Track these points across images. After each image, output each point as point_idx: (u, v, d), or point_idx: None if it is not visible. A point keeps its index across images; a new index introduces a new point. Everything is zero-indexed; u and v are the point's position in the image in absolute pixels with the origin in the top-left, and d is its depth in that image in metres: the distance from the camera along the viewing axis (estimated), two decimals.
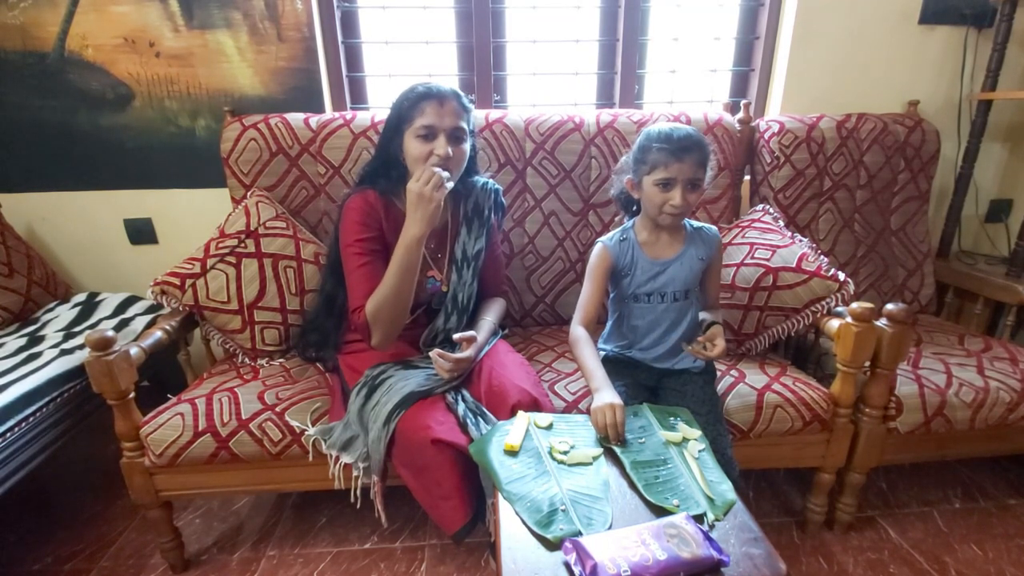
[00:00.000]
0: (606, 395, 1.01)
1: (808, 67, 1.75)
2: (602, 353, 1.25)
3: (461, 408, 1.09)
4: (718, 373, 1.27)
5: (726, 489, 0.86)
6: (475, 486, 1.04)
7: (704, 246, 1.17)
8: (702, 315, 1.21)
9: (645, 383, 1.19)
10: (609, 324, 1.25)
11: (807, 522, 1.37)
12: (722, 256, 1.26)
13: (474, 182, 1.31)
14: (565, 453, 0.93)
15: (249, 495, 1.53)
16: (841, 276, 1.28)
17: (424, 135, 1.13)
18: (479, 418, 1.07)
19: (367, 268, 1.17)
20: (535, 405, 1.08)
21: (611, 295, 1.24)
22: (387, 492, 1.13)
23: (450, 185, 1.10)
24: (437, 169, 1.08)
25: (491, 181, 1.35)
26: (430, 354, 1.15)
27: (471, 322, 1.31)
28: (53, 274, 1.71)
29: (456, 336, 1.17)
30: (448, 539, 1.36)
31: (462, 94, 1.18)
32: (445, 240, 1.29)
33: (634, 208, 1.21)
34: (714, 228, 1.20)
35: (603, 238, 1.21)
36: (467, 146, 1.19)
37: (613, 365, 1.22)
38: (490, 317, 1.31)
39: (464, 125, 1.17)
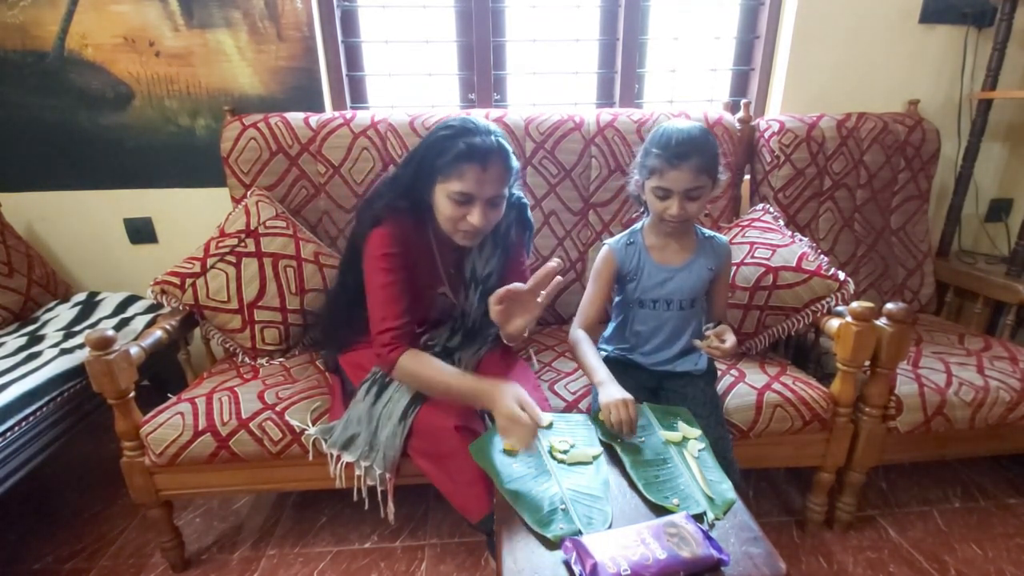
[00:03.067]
0: (613, 390, 0.98)
1: (808, 66, 1.75)
2: (603, 353, 1.25)
3: None
4: (718, 373, 1.27)
5: (726, 488, 0.86)
6: None
7: (714, 256, 1.15)
8: (708, 326, 1.20)
9: (646, 384, 1.19)
10: (612, 326, 1.25)
11: (807, 521, 1.37)
12: (731, 268, 1.23)
13: (514, 210, 1.19)
14: (565, 452, 0.93)
15: (249, 494, 1.53)
16: (841, 275, 1.28)
17: (458, 199, 1.02)
18: (488, 418, 1.08)
19: (394, 287, 1.07)
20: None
21: (616, 299, 1.23)
22: (394, 489, 1.12)
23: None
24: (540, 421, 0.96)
25: (517, 194, 1.20)
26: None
27: (482, 342, 1.24)
28: (53, 273, 1.71)
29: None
30: (447, 538, 1.36)
31: (509, 149, 1.03)
32: (461, 258, 1.21)
33: (642, 209, 1.19)
34: (724, 239, 1.18)
35: (610, 240, 1.19)
36: (503, 207, 1.08)
37: (613, 366, 1.21)
38: None
39: (505, 192, 1.05)
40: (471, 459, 0.98)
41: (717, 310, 1.22)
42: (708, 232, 1.18)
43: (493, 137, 1.02)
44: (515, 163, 1.06)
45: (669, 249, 1.15)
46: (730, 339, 1.07)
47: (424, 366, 1.05)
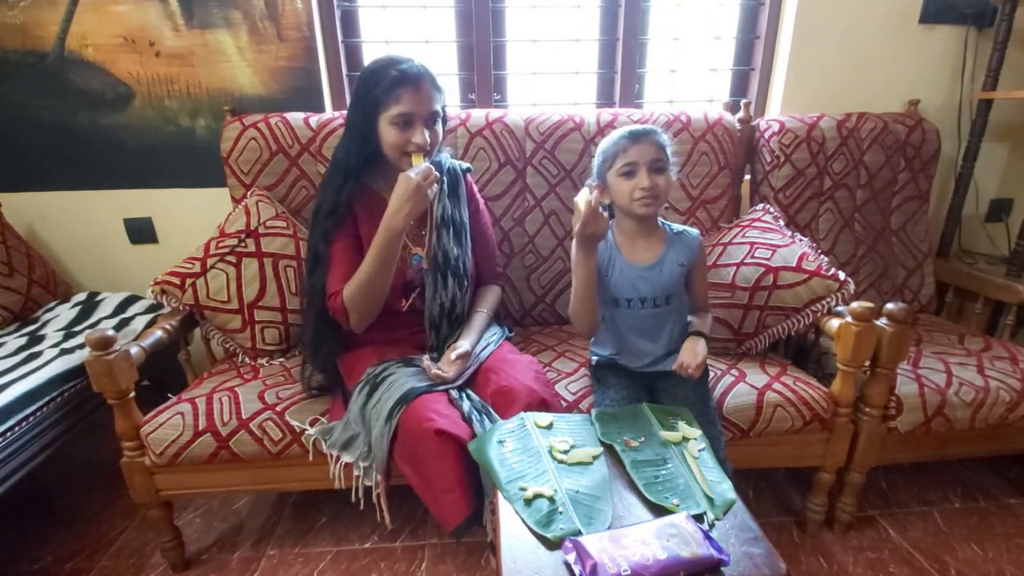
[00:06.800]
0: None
1: (808, 66, 1.75)
2: (594, 358, 1.25)
3: (466, 405, 1.08)
4: (717, 373, 1.27)
5: (726, 488, 0.86)
6: (476, 482, 1.03)
7: (685, 250, 1.14)
8: (689, 318, 1.20)
9: (640, 387, 1.18)
10: (601, 327, 1.25)
11: (807, 521, 1.37)
12: (705, 258, 1.24)
13: (439, 160, 1.26)
14: (565, 452, 0.93)
15: (249, 495, 1.53)
16: (841, 275, 1.28)
17: (400, 123, 1.11)
18: (484, 416, 1.07)
19: (343, 253, 1.16)
20: (544, 406, 1.07)
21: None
22: (388, 492, 1.12)
23: (433, 189, 1.10)
24: (432, 167, 1.08)
25: (453, 162, 1.30)
26: (423, 362, 1.13)
27: (471, 298, 1.29)
28: (53, 274, 1.71)
29: (450, 353, 1.16)
30: (448, 537, 1.36)
31: (432, 73, 1.15)
32: (426, 216, 1.23)
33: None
34: (695, 231, 1.18)
35: None
36: (440, 127, 1.18)
37: (606, 370, 1.21)
38: (484, 308, 1.29)
39: (438, 108, 1.15)
40: (448, 465, 0.99)
41: (698, 302, 1.21)
42: (677, 227, 1.17)
43: (417, 62, 1.13)
44: (440, 84, 1.16)
45: (637, 248, 1.14)
46: (700, 353, 1.11)
47: (353, 279, 1.12)
